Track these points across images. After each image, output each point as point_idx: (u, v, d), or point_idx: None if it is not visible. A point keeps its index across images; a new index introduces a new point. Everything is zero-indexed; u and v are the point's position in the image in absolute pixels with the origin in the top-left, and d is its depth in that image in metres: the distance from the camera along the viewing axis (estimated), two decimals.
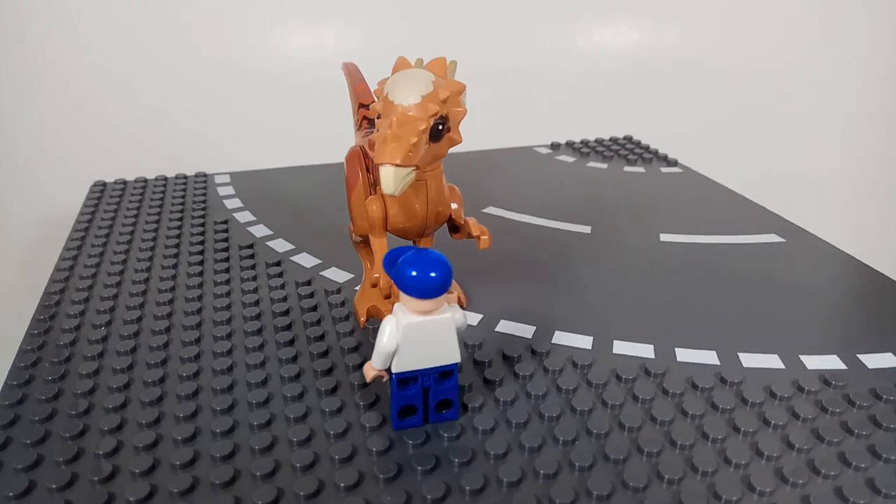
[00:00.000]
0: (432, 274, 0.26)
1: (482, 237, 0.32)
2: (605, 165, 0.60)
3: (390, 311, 0.27)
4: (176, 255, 0.43)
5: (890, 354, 0.34)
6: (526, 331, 0.36)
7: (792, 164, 0.67)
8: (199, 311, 0.37)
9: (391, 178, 0.26)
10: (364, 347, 0.34)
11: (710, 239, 0.46)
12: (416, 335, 0.27)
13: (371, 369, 0.28)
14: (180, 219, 0.48)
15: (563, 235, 0.47)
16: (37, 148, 0.65)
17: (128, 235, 0.46)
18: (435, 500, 0.25)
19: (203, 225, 0.47)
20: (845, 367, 0.33)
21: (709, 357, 0.34)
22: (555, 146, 0.65)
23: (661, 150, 0.62)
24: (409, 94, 0.27)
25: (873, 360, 0.34)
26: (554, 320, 0.37)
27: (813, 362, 0.34)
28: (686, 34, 0.64)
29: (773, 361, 0.34)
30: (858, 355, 0.34)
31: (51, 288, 0.39)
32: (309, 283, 0.40)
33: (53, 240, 0.49)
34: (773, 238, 0.47)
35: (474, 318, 0.37)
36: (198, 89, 0.61)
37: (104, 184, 0.55)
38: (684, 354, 0.34)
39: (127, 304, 0.38)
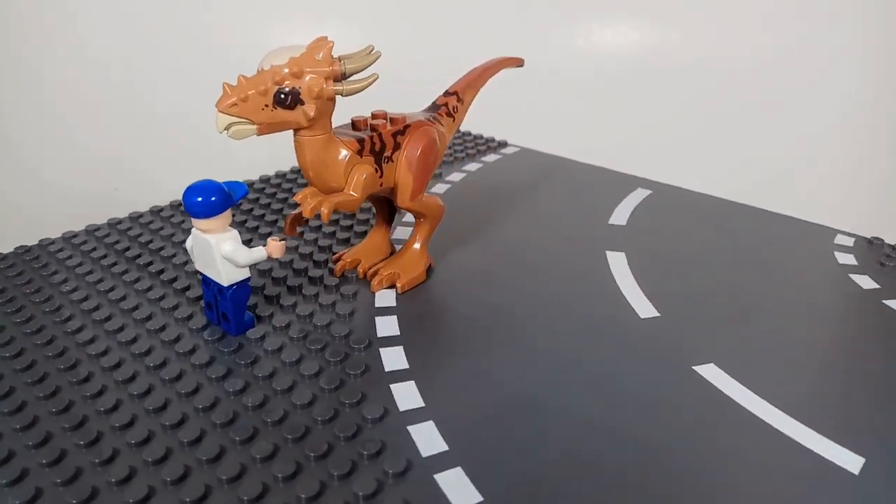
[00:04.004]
0: (190, 198, 0.33)
1: (302, 209, 0.34)
2: None
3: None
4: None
5: None
6: None
7: (793, 164, 0.63)
8: None
9: (216, 121, 0.33)
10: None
11: (780, 422, 0.30)
12: (195, 245, 0.35)
13: None
14: (84, 299, 0.40)
15: (611, 320, 0.38)
16: (38, 146, 0.66)
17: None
18: (141, 353, 0.34)
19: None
20: None
21: None
22: (875, 242, 0.46)
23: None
24: (267, 62, 0.33)
25: None
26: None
27: None
28: (686, 35, 0.62)
29: None
30: None
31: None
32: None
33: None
34: (850, 463, 0.28)
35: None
36: (197, 88, 0.60)
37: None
38: None
39: (100, 408, 0.30)
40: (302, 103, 0.33)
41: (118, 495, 0.26)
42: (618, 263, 0.43)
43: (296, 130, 0.35)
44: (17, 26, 0.59)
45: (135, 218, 0.50)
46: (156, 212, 0.51)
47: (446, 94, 0.43)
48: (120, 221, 0.49)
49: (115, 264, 0.43)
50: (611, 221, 0.49)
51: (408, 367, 0.33)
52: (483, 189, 0.55)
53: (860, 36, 0.63)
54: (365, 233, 0.46)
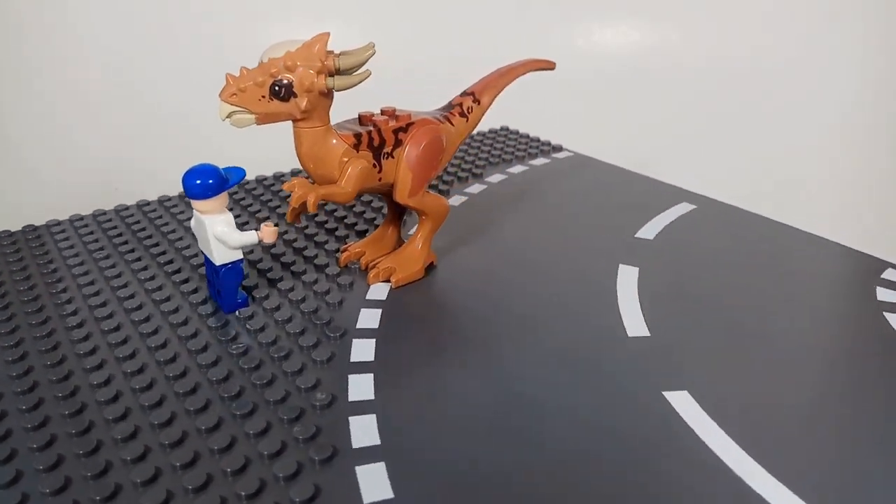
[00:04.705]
0: (189, 181, 0.35)
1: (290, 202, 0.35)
2: None
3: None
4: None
5: None
6: None
7: (793, 165, 0.63)
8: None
9: (219, 109, 0.35)
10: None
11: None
12: (196, 224, 0.37)
13: None
14: (112, 265, 0.44)
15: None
16: (38, 146, 0.65)
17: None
18: (139, 320, 0.37)
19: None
20: None
21: None
22: None
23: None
24: (267, 55, 0.34)
25: None
26: None
27: None
28: (686, 35, 0.63)
29: None
30: None
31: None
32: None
33: None
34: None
35: None
36: (197, 89, 0.60)
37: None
38: None
39: (84, 367, 0.33)
40: (295, 96, 0.34)
41: (74, 442, 0.28)
42: (627, 278, 0.41)
43: (294, 121, 0.36)
44: (16, 26, 0.59)
45: (119, 210, 0.52)
46: (141, 205, 0.53)
47: (463, 94, 0.43)
48: (104, 212, 0.51)
49: (125, 243, 0.47)
50: (637, 235, 0.47)
51: (373, 359, 0.34)
52: (518, 193, 0.54)
53: (861, 36, 0.63)
54: None
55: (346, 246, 0.43)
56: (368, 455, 0.28)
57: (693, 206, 0.51)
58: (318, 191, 0.36)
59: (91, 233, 0.48)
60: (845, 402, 0.31)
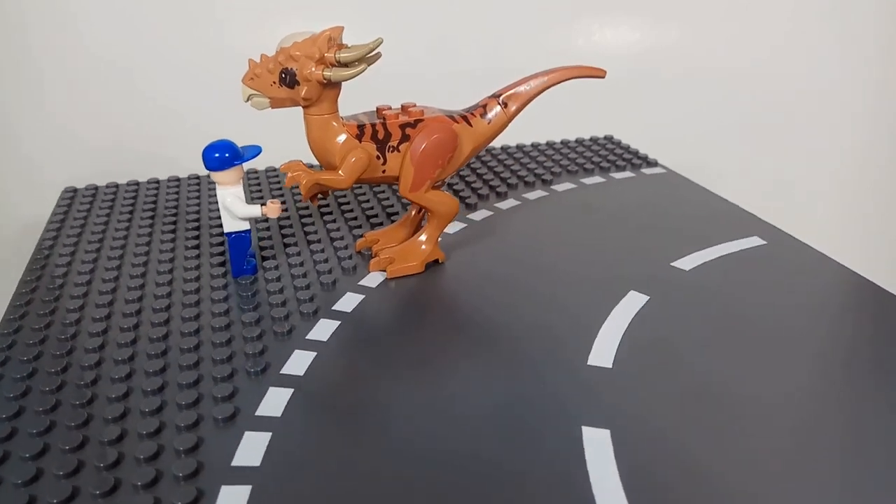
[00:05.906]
0: (207, 153, 0.39)
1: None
2: None
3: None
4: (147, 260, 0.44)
5: None
6: None
7: (794, 167, 0.65)
8: (167, 321, 0.37)
9: (241, 91, 0.38)
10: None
11: None
12: (216, 194, 0.41)
13: None
14: (174, 222, 0.49)
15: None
16: (38, 144, 0.65)
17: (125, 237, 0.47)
18: (164, 271, 0.42)
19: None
20: None
21: None
22: None
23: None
24: (280, 44, 0.37)
25: None
26: None
27: None
28: (687, 36, 0.64)
29: None
30: None
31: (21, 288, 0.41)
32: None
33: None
34: None
35: None
36: (197, 88, 0.60)
37: (75, 190, 0.56)
38: None
39: (96, 303, 0.38)
40: (299, 84, 0.37)
41: (48, 361, 0.33)
42: (628, 306, 0.38)
43: (304, 108, 0.38)
44: (17, 20, 0.60)
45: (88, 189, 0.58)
46: (111, 187, 0.57)
47: (491, 95, 0.42)
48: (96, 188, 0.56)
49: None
50: (674, 263, 0.43)
51: (325, 340, 0.35)
52: (576, 204, 0.52)
53: (863, 36, 0.63)
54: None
55: (367, 232, 0.45)
56: (263, 424, 0.30)
57: (762, 242, 0.45)
58: (313, 176, 0.38)
59: (156, 194, 0.55)
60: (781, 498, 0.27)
